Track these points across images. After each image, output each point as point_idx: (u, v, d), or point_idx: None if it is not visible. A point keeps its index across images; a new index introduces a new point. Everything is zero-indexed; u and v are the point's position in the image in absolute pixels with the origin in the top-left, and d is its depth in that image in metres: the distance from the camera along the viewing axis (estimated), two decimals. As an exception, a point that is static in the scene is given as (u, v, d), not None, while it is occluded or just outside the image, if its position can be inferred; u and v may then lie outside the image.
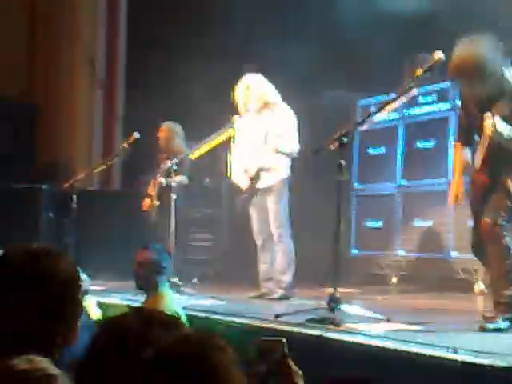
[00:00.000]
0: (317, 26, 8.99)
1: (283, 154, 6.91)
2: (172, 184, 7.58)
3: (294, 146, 6.92)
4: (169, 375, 1.69)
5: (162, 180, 8.18)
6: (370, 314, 5.22)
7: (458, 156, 5.36)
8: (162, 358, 1.73)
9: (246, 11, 9.30)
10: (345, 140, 5.06)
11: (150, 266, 5.21)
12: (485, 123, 4.83)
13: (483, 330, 4.83)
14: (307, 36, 8.85)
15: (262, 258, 7.03)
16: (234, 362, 1.74)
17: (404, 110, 9.10)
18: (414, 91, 5.23)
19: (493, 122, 4.80)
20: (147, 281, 5.22)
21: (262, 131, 6.94)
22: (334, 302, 5.09)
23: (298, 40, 8.70)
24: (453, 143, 5.53)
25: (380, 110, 5.40)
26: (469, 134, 5.26)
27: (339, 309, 5.09)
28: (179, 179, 7.80)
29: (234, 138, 7.21)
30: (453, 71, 5.05)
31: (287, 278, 6.88)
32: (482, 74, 4.91)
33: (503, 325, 4.88)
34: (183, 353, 1.72)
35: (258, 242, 7.04)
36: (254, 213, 7.03)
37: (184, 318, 4.72)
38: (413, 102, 8.92)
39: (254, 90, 6.98)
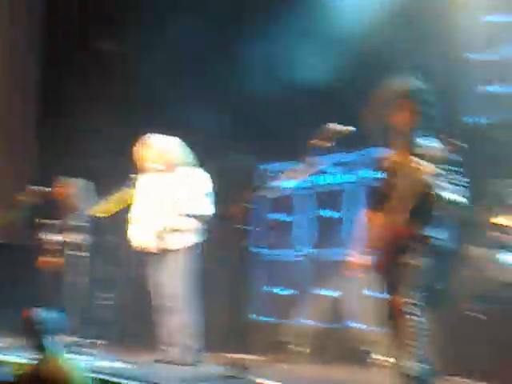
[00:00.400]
0: (225, 90, 9.07)
1: (193, 217, 6.88)
2: (70, 241, 7.45)
3: (206, 209, 6.90)
4: None
5: (53, 237, 8.07)
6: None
7: (374, 221, 5.44)
8: None
9: (153, 71, 9.36)
10: (248, 205, 5.10)
11: (35, 326, 5.10)
12: (416, 169, 4.98)
13: None
14: (216, 100, 8.93)
15: (164, 320, 6.94)
16: None
17: (311, 179, 9.21)
18: (319, 161, 5.32)
19: (424, 168, 4.94)
20: (35, 341, 5.10)
21: (170, 192, 6.90)
22: (239, 370, 5.07)
23: (206, 103, 8.76)
24: (366, 212, 5.55)
25: (284, 177, 5.46)
26: (385, 200, 5.35)
27: (244, 376, 5.06)
28: (76, 237, 7.66)
29: (135, 197, 7.14)
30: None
31: (189, 341, 6.81)
32: None
33: None
34: None
35: (160, 305, 6.94)
36: (157, 274, 6.96)
37: (83, 381, 4.60)
38: (320, 172, 9.05)
39: (158, 149, 6.98)
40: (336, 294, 8.72)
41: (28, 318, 5.12)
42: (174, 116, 8.36)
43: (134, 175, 7.02)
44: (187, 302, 6.83)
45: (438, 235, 5.18)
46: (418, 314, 5.00)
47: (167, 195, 6.90)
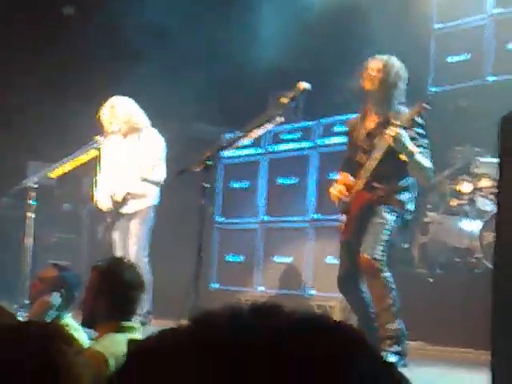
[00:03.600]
0: (190, 62, 8.98)
1: (149, 181, 6.82)
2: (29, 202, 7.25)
3: (160, 174, 6.84)
4: None
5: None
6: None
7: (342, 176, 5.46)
8: None
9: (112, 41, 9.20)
10: (209, 162, 4.97)
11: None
12: (390, 129, 4.98)
13: None
14: (182, 67, 8.84)
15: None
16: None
17: (267, 146, 9.16)
18: (281, 119, 5.21)
19: (398, 130, 4.95)
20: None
21: (130, 156, 6.82)
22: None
23: (171, 73, 8.67)
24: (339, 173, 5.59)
25: (245, 135, 5.35)
26: (353, 164, 5.39)
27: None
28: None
29: (99, 160, 7.03)
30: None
31: (145, 303, 6.74)
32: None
33: (392, 359, 4.89)
34: None
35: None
36: (116, 237, 6.87)
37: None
38: (276, 139, 9.01)
39: (120, 111, 6.85)
40: (290, 260, 8.71)
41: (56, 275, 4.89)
42: (139, 79, 8.25)
43: (98, 136, 6.88)
44: (142, 262, 6.76)
45: (403, 197, 5.21)
46: (386, 269, 5.05)
47: (129, 158, 6.82)
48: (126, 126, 6.86)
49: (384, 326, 5.03)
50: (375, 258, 5.03)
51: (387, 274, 5.05)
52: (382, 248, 5.06)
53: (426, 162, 5.12)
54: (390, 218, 5.13)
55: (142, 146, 6.83)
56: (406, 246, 5.24)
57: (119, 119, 6.84)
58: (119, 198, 6.77)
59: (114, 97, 6.95)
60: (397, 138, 4.96)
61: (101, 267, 3.92)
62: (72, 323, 4.65)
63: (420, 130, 5.15)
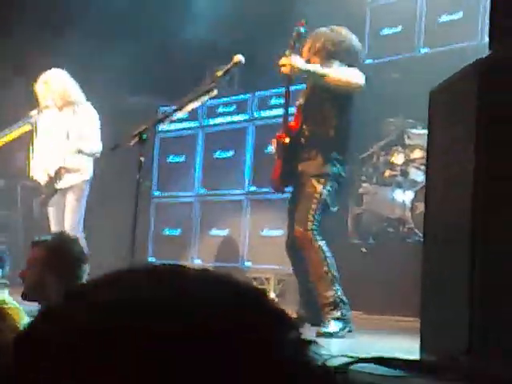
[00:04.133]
0: (124, 34, 8.88)
1: (85, 154, 6.76)
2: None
3: (96, 146, 6.79)
4: None
5: None
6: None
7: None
8: None
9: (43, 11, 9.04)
10: (144, 136, 4.97)
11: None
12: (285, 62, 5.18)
13: (320, 335, 4.80)
14: (116, 40, 8.74)
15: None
16: None
17: (203, 119, 9.15)
18: (215, 92, 5.23)
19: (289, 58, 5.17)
20: None
21: (64, 129, 6.75)
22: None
23: (104, 45, 8.56)
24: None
25: (181, 108, 5.34)
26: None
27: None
28: None
29: (35, 134, 6.96)
30: None
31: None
32: None
33: (337, 326, 4.98)
34: None
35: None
36: (51, 213, 6.81)
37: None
38: (212, 112, 9.00)
39: (55, 85, 6.78)
40: (227, 233, 8.74)
41: None
42: (71, 51, 8.13)
43: (33, 111, 6.80)
44: (81, 241, 6.71)
45: (333, 165, 5.27)
46: (319, 238, 5.14)
47: (63, 132, 6.75)
48: (61, 100, 6.79)
49: (322, 293, 5.09)
50: (307, 229, 5.11)
51: (321, 243, 5.12)
52: (312, 218, 5.13)
53: (344, 74, 5.21)
54: (321, 186, 5.19)
55: (77, 119, 6.77)
56: (335, 209, 5.28)
57: (54, 93, 6.77)
58: (52, 172, 6.71)
59: (48, 70, 6.86)
60: (291, 65, 5.14)
61: (48, 243, 3.97)
62: (9, 300, 4.62)
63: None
